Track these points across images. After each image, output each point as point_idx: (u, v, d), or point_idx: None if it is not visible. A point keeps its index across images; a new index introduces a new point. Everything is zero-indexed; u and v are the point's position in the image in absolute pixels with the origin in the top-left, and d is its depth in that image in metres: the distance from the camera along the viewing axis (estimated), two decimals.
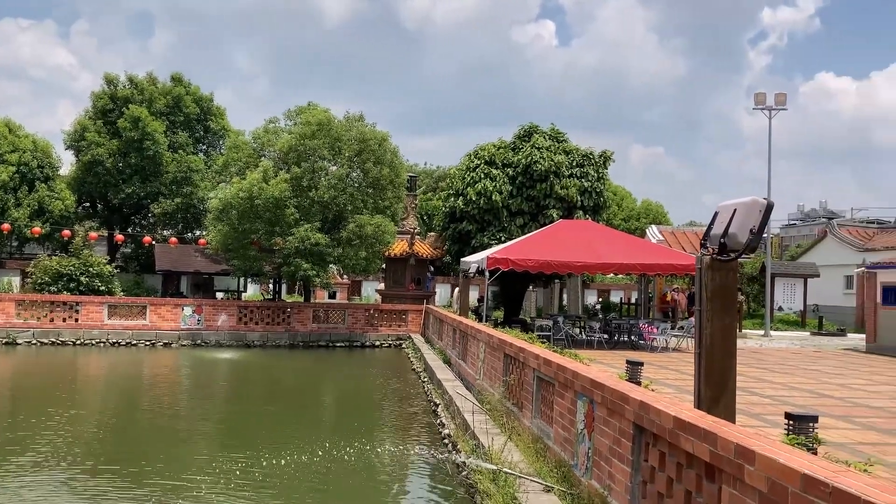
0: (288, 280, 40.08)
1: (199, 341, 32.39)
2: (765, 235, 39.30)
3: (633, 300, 46.69)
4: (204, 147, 47.33)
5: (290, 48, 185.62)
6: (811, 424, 6.01)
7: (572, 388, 8.41)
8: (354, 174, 34.02)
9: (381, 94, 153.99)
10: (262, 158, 34.20)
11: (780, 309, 39.95)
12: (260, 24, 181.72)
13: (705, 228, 6.30)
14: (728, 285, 5.89)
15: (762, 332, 34.81)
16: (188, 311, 32.93)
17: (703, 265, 5.98)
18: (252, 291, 50.87)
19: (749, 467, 4.32)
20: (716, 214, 6.11)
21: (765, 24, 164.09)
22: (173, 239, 40.79)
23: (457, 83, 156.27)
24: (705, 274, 5.96)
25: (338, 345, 33.49)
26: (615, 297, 52.95)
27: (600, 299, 52.21)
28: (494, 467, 8.55)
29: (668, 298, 35.99)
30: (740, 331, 33.26)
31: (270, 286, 44.68)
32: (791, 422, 6.09)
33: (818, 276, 40.50)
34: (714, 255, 5.93)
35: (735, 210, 5.85)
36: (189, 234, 44.95)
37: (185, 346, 32.06)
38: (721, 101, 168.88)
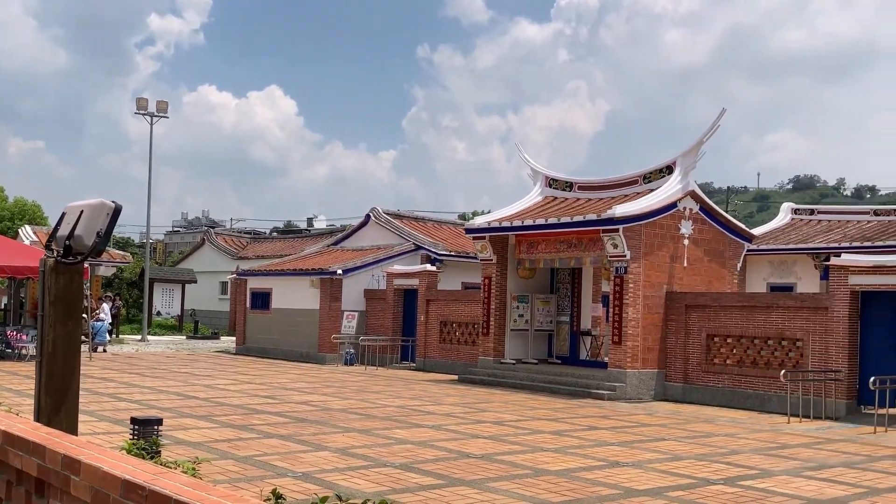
0: None
1: None
2: (147, 241, 39.57)
3: (3, 306, 42.68)
4: None
5: None
6: (156, 427, 6.10)
7: None
8: None
9: None
10: None
11: (159, 314, 40.57)
12: None
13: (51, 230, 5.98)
14: (73, 289, 5.64)
15: (140, 337, 34.87)
16: None
17: (47, 268, 5.64)
18: None
19: (75, 478, 4.16)
20: (63, 215, 5.83)
21: (152, 30, 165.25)
22: None
23: None
24: (49, 277, 5.62)
25: None
26: None
27: None
28: None
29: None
30: (117, 336, 32.91)
31: None
32: (136, 426, 6.10)
33: (196, 281, 42.19)
34: (59, 258, 5.64)
35: (82, 212, 5.64)
36: None
37: None
38: (107, 101, 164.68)
